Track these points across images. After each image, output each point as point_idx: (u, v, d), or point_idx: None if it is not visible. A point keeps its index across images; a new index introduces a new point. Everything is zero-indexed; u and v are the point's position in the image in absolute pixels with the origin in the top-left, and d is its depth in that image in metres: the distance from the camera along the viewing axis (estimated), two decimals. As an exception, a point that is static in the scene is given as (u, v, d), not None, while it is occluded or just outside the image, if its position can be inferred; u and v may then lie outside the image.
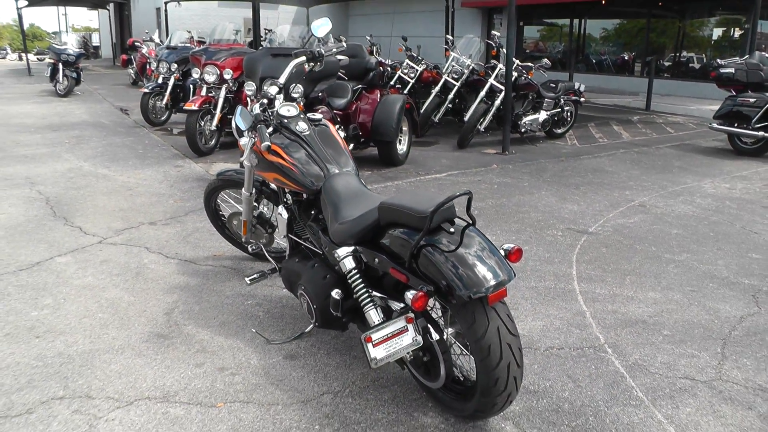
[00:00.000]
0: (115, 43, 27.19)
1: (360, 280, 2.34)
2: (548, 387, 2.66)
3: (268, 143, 2.60)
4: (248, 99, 7.35)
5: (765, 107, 7.55)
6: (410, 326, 2.15)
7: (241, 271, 3.84)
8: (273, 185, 3.36)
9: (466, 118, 8.24)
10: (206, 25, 18.98)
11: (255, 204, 3.45)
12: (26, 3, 21.60)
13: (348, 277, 2.37)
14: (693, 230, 4.86)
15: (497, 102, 8.08)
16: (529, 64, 8.31)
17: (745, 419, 2.46)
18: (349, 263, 2.35)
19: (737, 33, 14.90)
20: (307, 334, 3.02)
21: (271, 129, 2.83)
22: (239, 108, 2.72)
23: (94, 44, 33.87)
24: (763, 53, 8.40)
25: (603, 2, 16.84)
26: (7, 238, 4.39)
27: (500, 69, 8.12)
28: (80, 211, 5.06)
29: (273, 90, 2.95)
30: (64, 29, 37.35)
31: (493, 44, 8.37)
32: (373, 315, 2.31)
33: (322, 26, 3.22)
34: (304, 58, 3.09)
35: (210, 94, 7.19)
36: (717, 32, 15.50)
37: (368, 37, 12.63)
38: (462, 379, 2.39)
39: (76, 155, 7.24)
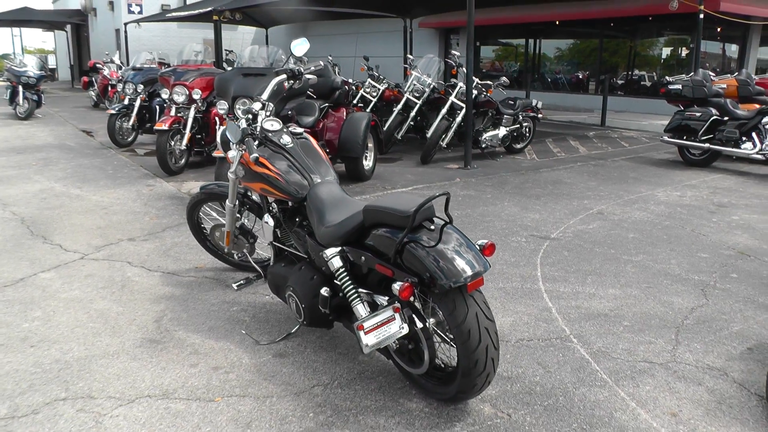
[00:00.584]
0: (73, 65, 26.86)
1: (347, 278, 2.54)
2: (521, 373, 2.90)
3: (257, 155, 2.80)
4: (221, 118, 7.53)
5: (709, 121, 8.08)
6: (397, 315, 2.36)
7: (222, 281, 3.99)
8: (255, 196, 3.55)
9: (428, 135, 8.54)
10: (166, 46, 19.06)
11: (237, 215, 3.62)
12: (-20, 26, 21.24)
13: (336, 275, 2.57)
14: (648, 234, 5.22)
15: (458, 119, 8.41)
16: (489, 82, 8.70)
17: (695, 393, 2.75)
18: (336, 262, 2.55)
19: (684, 52, 15.74)
20: (293, 335, 3.20)
21: (256, 142, 3.03)
22: (228, 123, 2.91)
23: (50, 66, 33.36)
24: (707, 71, 8.97)
25: (557, 23, 17.56)
26: (-13, 256, 4.44)
27: (460, 87, 8.46)
28: (58, 229, 5.13)
29: (257, 106, 3.15)
30: (17, 51, 36.66)
31: (453, 63, 8.72)
32: (361, 309, 2.51)
33: (300, 45, 3.45)
34: (284, 76, 3.31)
35: (179, 114, 7.32)
36: (666, 52, 16.33)
37: (329, 57, 12.90)
38: (443, 365, 2.61)
39: (45, 176, 7.25)
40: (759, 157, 7.82)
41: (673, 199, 6.50)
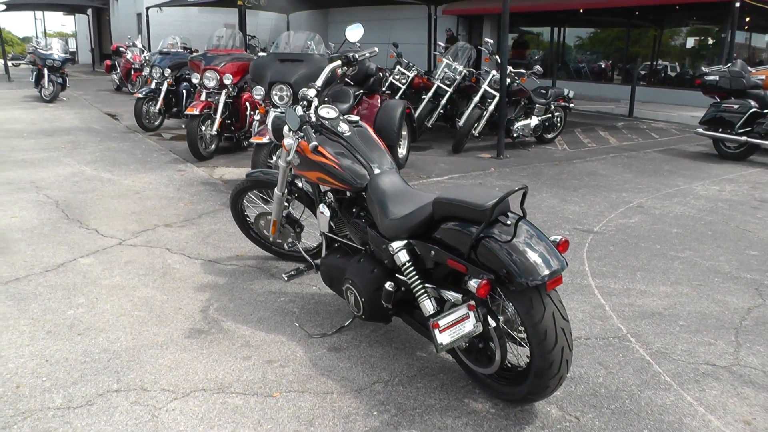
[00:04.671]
0: (94, 49, 26.87)
1: (414, 272, 2.45)
2: (583, 374, 2.80)
3: (315, 143, 2.70)
4: (253, 103, 7.44)
5: (748, 113, 7.86)
6: (471, 313, 2.27)
7: (266, 270, 3.92)
8: (302, 184, 3.46)
9: (460, 124, 8.40)
10: (187, 31, 18.98)
11: (285, 204, 3.54)
12: (4, 7, 21.28)
13: (402, 269, 2.47)
14: (691, 229, 5.07)
15: (491, 108, 8.27)
16: (522, 70, 8.53)
17: (767, 400, 2.64)
18: (403, 256, 2.46)
19: (709, 41, 15.40)
20: (346, 328, 3.11)
21: (313, 130, 2.93)
22: (287, 110, 2.81)
23: (70, 49, 33.42)
24: (744, 62, 8.73)
25: (581, 11, 17.26)
26: (27, 240, 4.40)
27: (493, 75, 8.31)
28: (93, 214, 5.08)
29: (311, 93, 3.04)
30: (35, 34, 36.78)
31: (486, 51, 8.56)
32: (428, 305, 2.42)
33: (354, 30, 3.33)
34: (339, 62, 3.19)
35: (209, 99, 7.23)
36: (691, 41, 15.99)
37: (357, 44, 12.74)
38: (511, 365, 2.51)
39: (75, 160, 7.21)
40: (800, 151, 7.61)
41: (712, 194, 6.34)
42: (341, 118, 2.99)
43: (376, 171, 2.82)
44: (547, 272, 2.14)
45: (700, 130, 8.51)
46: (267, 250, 4.06)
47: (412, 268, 2.46)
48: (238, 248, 4.31)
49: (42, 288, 3.58)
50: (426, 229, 2.45)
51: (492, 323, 2.32)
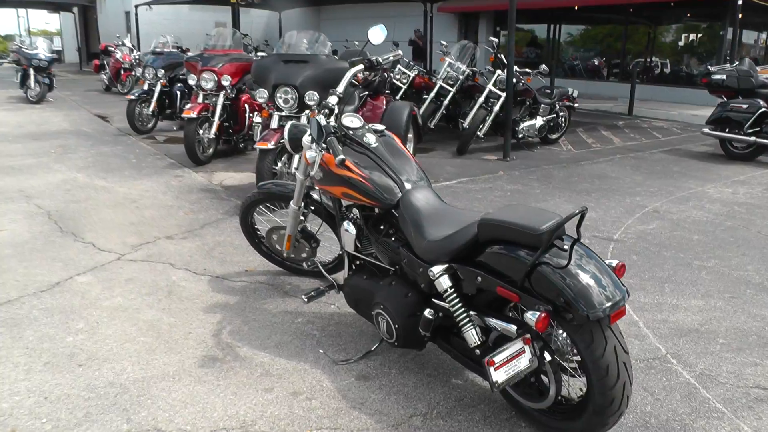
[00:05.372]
0: (81, 48, 26.36)
1: (458, 299, 2.23)
2: (630, 402, 2.60)
3: (342, 156, 2.47)
4: (252, 106, 7.19)
5: (757, 113, 7.71)
6: (527, 348, 2.06)
7: (279, 287, 3.69)
8: (317, 195, 3.23)
9: (465, 125, 8.19)
10: (176, 29, 18.60)
11: (301, 218, 3.31)
12: (-14, 6, 20.78)
13: (444, 295, 2.26)
14: (712, 236, 4.90)
15: (496, 108, 8.06)
16: (527, 70, 8.34)
17: (836, 430, 2.45)
18: (445, 282, 2.24)
19: (705, 39, 15.29)
20: (373, 353, 2.89)
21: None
22: (311, 120, 2.58)
23: (55, 48, 32.80)
24: (751, 61, 8.59)
25: (575, 8, 17.09)
26: (18, 256, 4.13)
27: (498, 75, 8.10)
28: (88, 225, 4.81)
29: (333, 100, 2.81)
30: (18, 32, 36.15)
31: (491, 50, 8.35)
32: (473, 335, 2.21)
33: (377, 33, 3.10)
34: (361, 66, 2.96)
35: (206, 101, 6.97)
36: (688, 38, 15.87)
37: (356, 42, 12.53)
38: (564, 399, 2.30)
39: (66, 166, 6.92)
40: (810, 152, 7.48)
41: (726, 197, 6.18)
42: (366, 127, 2.76)
43: (408, 186, 2.60)
44: (608, 304, 1.94)
45: (707, 130, 8.35)
46: (279, 265, 3.82)
47: (455, 294, 2.24)
48: (246, 262, 4.07)
49: (37, 311, 3.32)
50: (469, 252, 2.23)
51: (547, 357, 2.11)
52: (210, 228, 4.79)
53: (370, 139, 2.70)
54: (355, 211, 2.80)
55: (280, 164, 5.19)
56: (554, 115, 8.79)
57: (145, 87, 9.07)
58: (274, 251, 3.69)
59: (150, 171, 6.75)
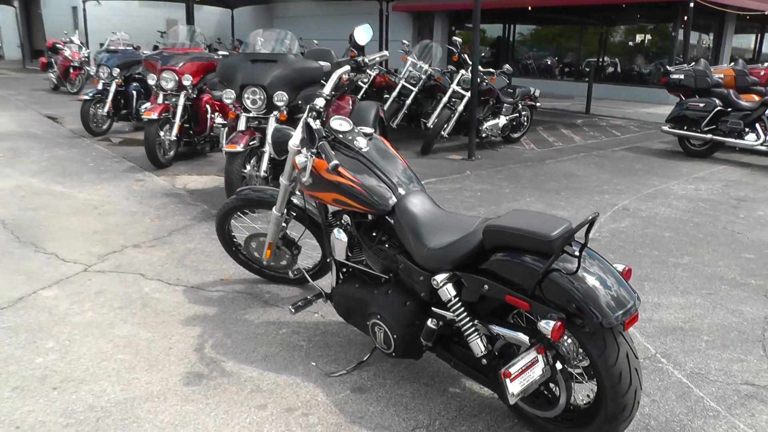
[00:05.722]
0: (23, 44, 25.22)
1: (463, 308, 2.16)
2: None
3: (336, 162, 2.37)
4: (213, 106, 6.97)
5: (713, 111, 7.95)
6: (540, 357, 2.00)
7: (258, 296, 3.55)
8: (298, 200, 3.12)
9: (429, 125, 8.15)
10: (124, 26, 17.99)
11: (282, 225, 3.19)
12: None
13: (448, 304, 2.18)
14: (683, 233, 5.00)
15: (460, 108, 8.06)
16: (491, 69, 8.36)
17: (829, 425, 2.49)
18: (450, 290, 2.17)
19: (655, 40, 15.73)
20: (365, 363, 2.80)
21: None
22: (303, 124, 2.47)
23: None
24: (706, 61, 8.86)
25: (529, 9, 17.32)
26: (-27, 270, 3.87)
27: (462, 74, 8.10)
28: (48, 234, 4.55)
29: (320, 102, 2.70)
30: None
31: (455, 50, 8.34)
32: (480, 345, 2.15)
33: (362, 33, 3.00)
34: (348, 67, 2.85)
35: (167, 102, 6.72)
36: (639, 38, 16.30)
37: (314, 41, 12.34)
38: (572, 406, 2.26)
39: (18, 170, 6.56)
40: (763, 148, 7.74)
41: (690, 193, 6.33)
42: (356, 131, 2.66)
43: (402, 191, 2.51)
44: (622, 310, 1.90)
45: (666, 128, 8.57)
46: (257, 273, 3.68)
47: (459, 303, 2.17)
48: (220, 271, 3.91)
49: None
50: (473, 260, 2.17)
51: (559, 365, 2.06)
52: (179, 235, 4.60)
53: (361, 143, 2.60)
54: (346, 217, 2.70)
55: (249, 167, 5.03)
56: (517, 115, 8.85)
57: (100, 86, 8.69)
58: (253, 259, 3.55)
59: (110, 175, 6.46)
